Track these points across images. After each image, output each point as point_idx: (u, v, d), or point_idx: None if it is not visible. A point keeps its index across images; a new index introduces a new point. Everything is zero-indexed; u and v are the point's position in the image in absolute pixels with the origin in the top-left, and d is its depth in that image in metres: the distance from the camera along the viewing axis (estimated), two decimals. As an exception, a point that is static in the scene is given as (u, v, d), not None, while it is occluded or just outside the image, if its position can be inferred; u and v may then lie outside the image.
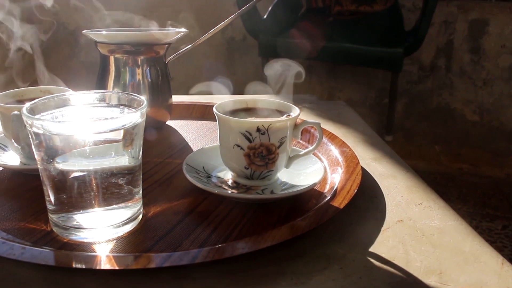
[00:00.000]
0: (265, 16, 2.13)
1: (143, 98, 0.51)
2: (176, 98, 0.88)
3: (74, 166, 0.48)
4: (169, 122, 0.89)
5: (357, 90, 2.48)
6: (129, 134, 0.48)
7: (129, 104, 0.54)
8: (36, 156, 0.49)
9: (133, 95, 0.53)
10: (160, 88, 0.82)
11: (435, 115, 2.44)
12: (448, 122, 2.43)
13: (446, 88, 2.38)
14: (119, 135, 0.48)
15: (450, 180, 2.27)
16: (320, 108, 1.04)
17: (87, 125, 0.47)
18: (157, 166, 0.70)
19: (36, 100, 0.51)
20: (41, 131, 0.46)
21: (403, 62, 1.96)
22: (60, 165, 0.48)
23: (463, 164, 2.40)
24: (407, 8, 2.29)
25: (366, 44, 1.95)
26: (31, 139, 0.48)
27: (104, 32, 0.79)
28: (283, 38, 2.04)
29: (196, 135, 0.84)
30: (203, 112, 0.95)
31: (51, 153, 0.48)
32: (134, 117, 0.48)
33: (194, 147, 0.78)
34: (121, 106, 0.54)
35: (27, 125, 0.48)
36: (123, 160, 0.49)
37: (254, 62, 2.40)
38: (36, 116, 0.49)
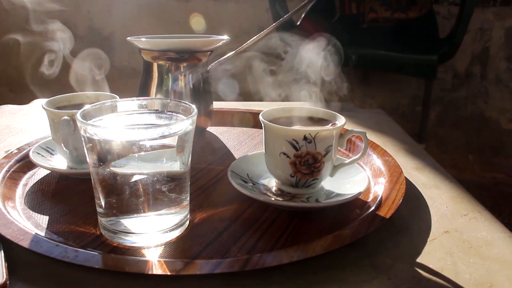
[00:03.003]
0: (298, 23, 2.13)
1: (194, 105, 0.52)
2: (215, 104, 0.89)
3: (126, 170, 0.49)
4: (210, 129, 0.90)
5: (390, 97, 2.46)
6: (181, 141, 0.49)
7: (178, 111, 0.55)
8: (88, 160, 0.51)
9: (183, 102, 0.54)
10: (202, 94, 0.83)
11: (469, 124, 2.40)
12: (482, 131, 2.39)
13: (481, 96, 2.35)
14: (174, 141, 0.49)
15: (484, 190, 2.23)
16: (359, 116, 1.04)
17: (141, 131, 0.48)
18: (200, 172, 0.70)
19: (88, 106, 0.52)
20: (95, 137, 0.48)
21: (438, 69, 1.94)
22: (112, 169, 0.49)
23: (497, 174, 2.35)
24: (442, 15, 2.26)
25: (400, 51, 1.93)
26: (83, 143, 0.50)
27: (147, 39, 0.81)
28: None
29: (236, 141, 0.85)
30: (242, 119, 0.95)
31: (104, 157, 0.49)
32: (186, 124, 0.49)
33: (236, 153, 0.79)
34: (169, 113, 0.55)
35: (80, 130, 0.49)
36: (175, 166, 0.50)
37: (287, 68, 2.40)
38: (89, 122, 0.50)
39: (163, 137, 0.48)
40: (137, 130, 0.50)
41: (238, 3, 2.39)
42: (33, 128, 0.94)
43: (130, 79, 2.32)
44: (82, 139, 0.50)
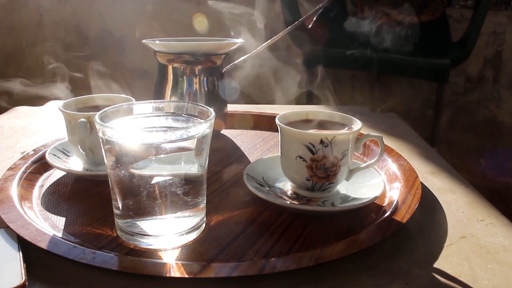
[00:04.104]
0: (310, 26, 2.13)
1: (211, 109, 0.52)
2: (229, 107, 0.89)
3: (144, 173, 0.49)
4: (224, 131, 0.91)
5: (401, 101, 2.45)
6: (199, 144, 0.49)
7: (196, 114, 0.55)
8: (106, 161, 0.51)
9: (200, 105, 0.55)
10: (216, 97, 0.83)
11: (481, 128, 2.39)
12: (495, 135, 2.37)
13: (493, 100, 2.33)
14: (193, 144, 0.49)
15: (496, 194, 2.21)
16: (372, 120, 1.04)
17: (160, 133, 0.49)
18: (215, 175, 0.70)
19: (106, 109, 0.53)
20: (114, 139, 0.48)
21: (450, 73, 1.93)
22: (130, 171, 0.49)
23: (509, 179, 2.34)
24: (454, 18, 2.25)
25: (412, 54, 1.92)
26: (101, 145, 0.50)
27: (163, 42, 0.81)
28: (328, 48, 2.04)
29: (251, 144, 0.85)
30: (256, 122, 0.95)
31: (122, 159, 0.49)
32: (204, 127, 0.49)
33: (250, 156, 0.79)
34: (185, 115, 0.56)
35: (99, 132, 0.49)
36: (193, 169, 0.51)
37: (298, 71, 2.40)
38: (107, 124, 0.50)
39: (183, 139, 0.48)
40: (156, 133, 0.50)
41: (249, 6, 2.39)
42: (48, 130, 0.94)
43: (142, 81, 2.32)
44: (100, 141, 0.50)
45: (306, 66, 2.10)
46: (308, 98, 2.14)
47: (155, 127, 0.55)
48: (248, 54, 0.84)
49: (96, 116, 0.50)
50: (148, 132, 0.51)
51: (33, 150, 0.75)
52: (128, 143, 0.48)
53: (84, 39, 2.52)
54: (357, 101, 2.46)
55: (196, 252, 0.51)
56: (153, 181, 0.49)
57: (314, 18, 2.15)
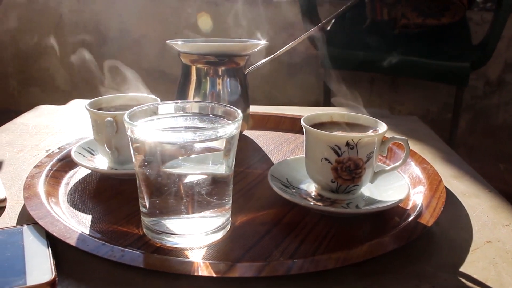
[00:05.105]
0: (328, 28, 2.13)
1: (239, 110, 0.53)
2: (250, 108, 0.90)
3: (173, 172, 0.50)
4: (246, 132, 0.91)
5: (419, 104, 2.43)
6: (228, 144, 0.50)
7: (222, 115, 0.55)
8: (134, 160, 0.52)
9: (227, 106, 0.55)
10: (239, 98, 0.84)
11: (500, 132, 2.36)
12: (514, 140, 2.35)
13: (513, 105, 2.31)
14: (221, 144, 0.49)
15: (515, 200, 2.19)
16: (393, 123, 1.03)
17: (190, 133, 0.49)
18: (239, 176, 0.71)
19: (134, 108, 0.53)
20: (143, 138, 0.49)
21: (469, 76, 1.91)
22: (159, 170, 0.49)
23: (529, 184, 2.31)
24: (474, 21, 2.23)
25: (431, 57, 1.91)
26: (130, 143, 0.51)
27: (187, 43, 0.82)
28: (346, 50, 2.03)
29: (273, 146, 0.85)
30: (278, 123, 0.96)
31: (150, 158, 0.50)
32: (232, 127, 0.50)
33: (273, 158, 0.79)
34: (211, 116, 0.56)
35: (127, 131, 0.50)
36: (221, 169, 0.51)
37: (315, 73, 2.40)
38: (135, 123, 0.51)
39: (211, 139, 0.48)
40: (185, 133, 0.50)
41: (268, 7, 2.40)
42: (71, 128, 0.95)
43: (159, 81, 2.34)
44: (129, 139, 0.51)
45: (324, 68, 2.11)
46: (326, 100, 2.14)
47: (182, 127, 0.55)
48: (271, 56, 0.84)
49: (125, 116, 0.50)
50: (177, 132, 0.52)
51: (58, 148, 0.76)
52: (158, 142, 0.49)
53: (102, 39, 2.54)
54: (375, 103, 2.45)
55: (222, 251, 0.52)
56: (181, 181, 0.50)
57: (333, 20, 2.15)
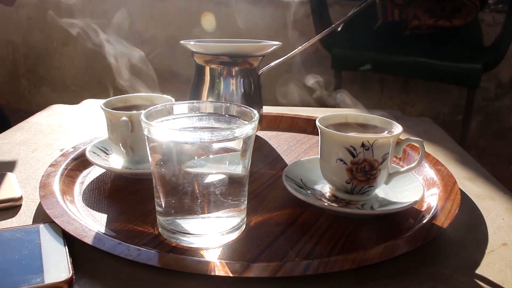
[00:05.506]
0: (339, 29, 2.13)
1: (255, 110, 0.53)
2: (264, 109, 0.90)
3: (189, 171, 0.50)
4: (259, 133, 0.91)
5: (430, 105, 2.42)
6: (244, 145, 0.50)
7: (238, 115, 0.55)
8: (150, 159, 0.52)
9: (243, 107, 0.55)
10: (252, 98, 0.84)
11: (512, 134, 2.35)
12: (526, 142, 2.33)
13: (525, 107, 2.30)
14: (238, 144, 0.49)
15: (526, 202, 2.17)
16: (406, 124, 1.02)
17: (207, 133, 0.49)
18: (253, 176, 0.71)
19: (150, 108, 0.53)
20: (160, 138, 0.49)
21: (481, 78, 1.90)
22: (176, 169, 0.50)
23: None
24: (486, 22, 2.22)
25: (443, 59, 1.91)
26: (146, 143, 0.51)
27: (201, 43, 0.82)
28: (357, 51, 2.03)
29: (286, 146, 0.85)
30: (291, 124, 0.96)
31: (167, 158, 0.50)
32: (248, 128, 0.50)
33: (286, 158, 0.79)
34: (227, 116, 0.56)
35: (144, 130, 0.50)
36: (238, 169, 0.51)
37: (326, 74, 2.40)
38: (153, 122, 0.51)
39: (228, 139, 0.48)
40: (202, 133, 0.50)
41: (278, 8, 2.40)
42: (85, 128, 0.96)
43: (169, 81, 2.35)
44: (144, 139, 0.51)
45: (334, 69, 2.11)
46: (336, 101, 2.13)
47: (198, 127, 0.56)
48: (284, 57, 0.85)
49: (142, 115, 0.51)
50: (194, 132, 0.52)
51: (72, 147, 0.77)
52: (175, 142, 0.49)
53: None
54: (385, 104, 2.45)
55: (237, 251, 0.52)
56: (197, 181, 0.50)
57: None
